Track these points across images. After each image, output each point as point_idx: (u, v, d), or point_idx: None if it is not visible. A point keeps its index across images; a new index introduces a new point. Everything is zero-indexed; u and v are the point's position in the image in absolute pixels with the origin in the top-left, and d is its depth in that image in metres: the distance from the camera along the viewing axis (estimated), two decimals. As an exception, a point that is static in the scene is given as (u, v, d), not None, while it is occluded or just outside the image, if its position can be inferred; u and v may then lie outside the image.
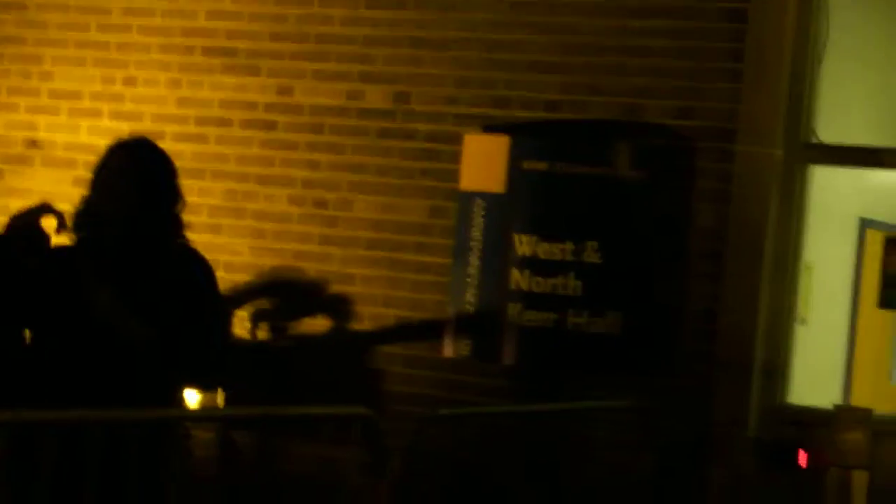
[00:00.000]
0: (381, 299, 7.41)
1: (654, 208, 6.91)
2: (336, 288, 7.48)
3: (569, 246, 7.02)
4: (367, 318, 7.42)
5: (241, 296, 7.46)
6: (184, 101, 7.86)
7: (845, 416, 6.34)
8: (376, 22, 7.52)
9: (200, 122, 7.82)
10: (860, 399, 7.43)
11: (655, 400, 6.69)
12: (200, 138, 7.79)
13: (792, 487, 6.52)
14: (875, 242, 7.28)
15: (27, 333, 4.73)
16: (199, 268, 4.72)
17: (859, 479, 6.24)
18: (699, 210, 6.86)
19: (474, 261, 7.21)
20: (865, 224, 7.91)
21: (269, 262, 7.63)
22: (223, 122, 7.79)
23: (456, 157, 7.28)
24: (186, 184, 4.80)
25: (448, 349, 7.26)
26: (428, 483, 6.63)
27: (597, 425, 6.86)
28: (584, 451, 6.88)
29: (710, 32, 6.88)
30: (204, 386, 5.48)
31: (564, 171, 7.05)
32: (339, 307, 7.45)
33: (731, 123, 6.83)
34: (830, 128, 6.98)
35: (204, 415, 5.97)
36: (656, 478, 6.56)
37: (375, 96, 7.50)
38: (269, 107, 7.70)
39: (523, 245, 7.10)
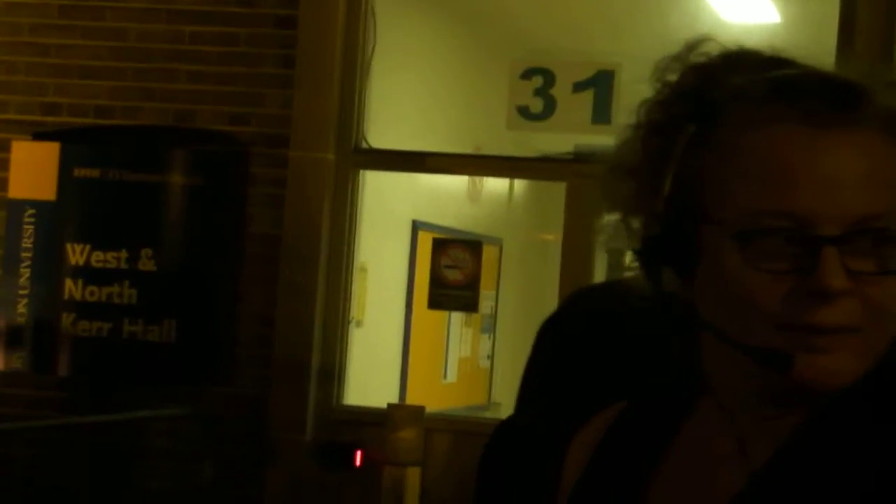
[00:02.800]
0: (-75, 314, 7.10)
1: (209, 215, 6.89)
2: None
3: (123, 254, 6.91)
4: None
5: None
6: None
7: (398, 414, 6.49)
8: (-86, 24, 7.21)
9: None
10: (415, 397, 7.63)
11: (213, 407, 6.69)
12: None
13: (349, 487, 6.64)
14: (426, 244, 7.48)
15: None
16: None
17: (412, 475, 6.41)
18: (255, 216, 6.88)
19: (25, 271, 7.01)
20: (417, 226, 8.14)
21: None
22: None
23: (4, 165, 7.06)
24: None
25: (0, 362, 7.04)
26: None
27: (156, 435, 6.80)
28: (142, 462, 6.80)
29: (262, 38, 6.91)
30: None
31: (117, 178, 6.94)
32: None
33: (285, 129, 6.88)
34: (383, 133, 7.14)
35: None
36: (215, 486, 6.56)
37: (-84, 102, 7.18)
38: None
39: (76, 254, 6.95)
